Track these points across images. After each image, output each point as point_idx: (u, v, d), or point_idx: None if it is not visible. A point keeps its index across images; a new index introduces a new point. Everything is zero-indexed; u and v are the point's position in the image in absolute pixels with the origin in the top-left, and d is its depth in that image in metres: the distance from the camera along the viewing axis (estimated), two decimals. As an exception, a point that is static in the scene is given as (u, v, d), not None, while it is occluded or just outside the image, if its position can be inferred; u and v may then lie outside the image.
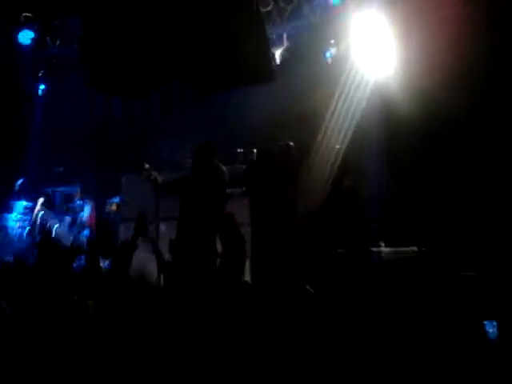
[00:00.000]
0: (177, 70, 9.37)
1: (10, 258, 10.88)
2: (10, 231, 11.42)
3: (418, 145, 9.08)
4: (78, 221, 11.53)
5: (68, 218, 11.60)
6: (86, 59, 10.09)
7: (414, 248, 7.78)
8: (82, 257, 9.91)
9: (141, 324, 4.07)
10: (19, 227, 11.53)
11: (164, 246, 9.85)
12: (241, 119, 10.94)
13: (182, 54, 9.29)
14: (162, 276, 7.11)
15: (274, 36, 10.39)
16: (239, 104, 10.99)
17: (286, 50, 10.39)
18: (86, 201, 11.85)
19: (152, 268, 8.08)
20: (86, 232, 11.48)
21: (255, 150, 9.84)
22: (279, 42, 10.40)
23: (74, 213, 11.62)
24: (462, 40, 8.52)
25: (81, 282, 6.56)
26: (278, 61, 10.18)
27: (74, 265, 9.91)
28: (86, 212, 11.67)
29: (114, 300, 4.65)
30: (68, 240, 10.78)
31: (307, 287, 4.81)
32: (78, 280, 6.83)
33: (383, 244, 7.87)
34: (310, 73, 10.34)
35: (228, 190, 9.78)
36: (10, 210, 11.74)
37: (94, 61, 9.88)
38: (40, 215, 11.18)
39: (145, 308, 4.31)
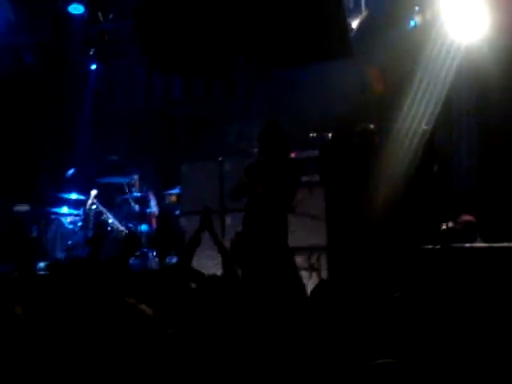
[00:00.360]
0: (243, 43, 9.43)
1: (62, 255, 11.23)
2: (62, 225, 11.71)
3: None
4: (146, 213, 11.74)
5: (123, 212, 11.83)
6: (141, 34, 10.24)
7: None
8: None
9: (202, 327, 4.18)
10: (71, 222, 11.79)
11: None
12: (314, 99, 10.95)
13: (248, 25, 9.34)
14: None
15: (351, 4, 10.37)
16: (312, 82, 11.00)
17: (364, 19, 10.35)
18: (148, 192, 12.05)
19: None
20: (143, 226, 11.68)
21: (330, 134, 9.88)
22: (357, 10, 10.38)
23: (133, 205, 11.81)
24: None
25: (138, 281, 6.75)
26: (355, 32, 10.16)
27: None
28: (153, 204, 11.88)
29: (175, 302, 4.77)
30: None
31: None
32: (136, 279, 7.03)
33: (477, 239, 7.83)
34: (392, 44, 10.29)
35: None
36: (60, 202, 12.05)
37: (150, 36, 10.00)
38: (93, 208, 11.43)
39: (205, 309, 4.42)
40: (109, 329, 3.60)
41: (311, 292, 5.19)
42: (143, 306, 3.80)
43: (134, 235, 10.58)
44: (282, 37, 9.09)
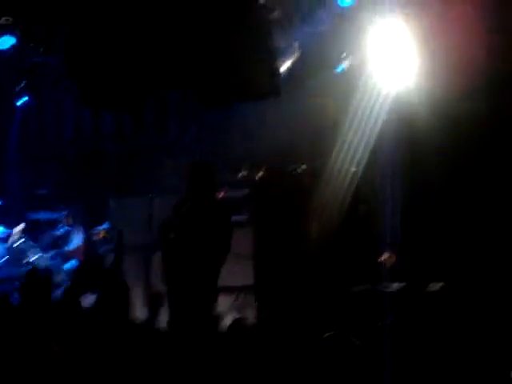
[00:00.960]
0: (175, 80, 9.43)
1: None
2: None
3: (443, 165, 9.16)
4: (65, 250, 11.59)
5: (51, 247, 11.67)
6: (72, 70, 10.16)
7: (437, 284, 7.84)
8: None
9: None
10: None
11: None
12: (244, 138, 11.02)
13: (179, 64, 9.35)
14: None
15: (282, 45, 10.47)
16: (243, 121, 11.08)
17: (295, 61, 10.46)
18: (74, 228, 11.91)
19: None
20: (72, 262, 11.53)
21: (260, 173, 9.92)
22: (288, 52, 10.48)
23: (60, 241, 11.66)
24: (485, 49, 8.64)
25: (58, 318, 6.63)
26: (286, 73, 10.25)
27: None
28: (76, 240, 11.73)
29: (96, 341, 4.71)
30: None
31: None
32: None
33: (401, 281, 7.93)
34: (322, 86, 10.43)
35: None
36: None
37: (81, 71, 9.94)
38: (19, 244, 11.22)
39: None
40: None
41: (227, 331, 5.17)
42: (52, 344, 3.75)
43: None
44: (212, 75, 9.12)
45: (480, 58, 8.77)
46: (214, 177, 7.87)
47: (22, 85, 12.61)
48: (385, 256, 8.33)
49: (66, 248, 11.67)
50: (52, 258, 11.30)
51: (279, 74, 9.43)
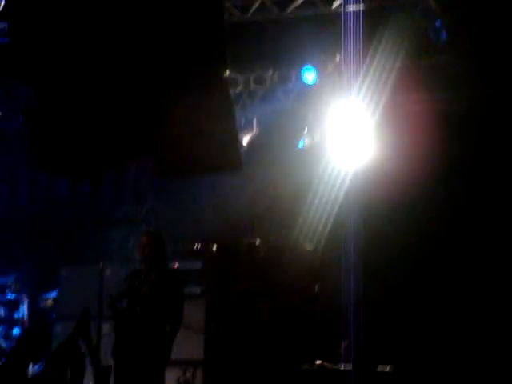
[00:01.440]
0: (134, 150, 9.41)
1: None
2: None
3: (401, 245, 9.23)
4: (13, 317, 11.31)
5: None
6: (29, 134, 10.10)
7: (387, 366, 7.81)
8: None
9: None
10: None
11: (106, 348, 9.73)
12: (201, 210, 11.00)
13: (140, 133, 9.35)
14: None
15: (243, 120, 10.57)
16: (200, 193, 11.07)
17: (255, 137, 10.55)
18: (22, 294, 11.67)
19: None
20: (15, 330, 11.26)
21: (215, 246, 9.86)
22: (248, 127, 10.58)
23: (6, 308, 11.40)
24: (440, 134, 8.87)
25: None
26: (245, 148, 10.33)
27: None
28: (23, 309, 11.48)
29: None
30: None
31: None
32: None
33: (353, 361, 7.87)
34: (281, 162, 10.50)
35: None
36: None
37: (38, 136, 9.88)
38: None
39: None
40: None
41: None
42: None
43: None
44: (172, 148, 9.12)
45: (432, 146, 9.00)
46: (165, 245, 7.78)
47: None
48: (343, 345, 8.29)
49: (15, 315, 11.39)
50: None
51: (241, 147, 9.49)
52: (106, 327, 10.05)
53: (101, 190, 12.82)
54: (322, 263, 9.20)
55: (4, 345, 10.03)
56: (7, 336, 10.89)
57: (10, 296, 11.48)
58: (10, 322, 11.15)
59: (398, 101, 9.37)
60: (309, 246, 9.19)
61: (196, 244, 10.13)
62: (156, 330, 7.48)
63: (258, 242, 9.16)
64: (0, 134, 12.07)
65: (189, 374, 9.20)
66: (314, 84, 10.22)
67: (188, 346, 9.37)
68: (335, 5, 9.49)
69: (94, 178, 12.27)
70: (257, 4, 9.82)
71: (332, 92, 9.64)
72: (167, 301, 7.53)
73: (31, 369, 10.54)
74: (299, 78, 10.34)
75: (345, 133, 9.58)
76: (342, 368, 7.70)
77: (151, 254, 7.68)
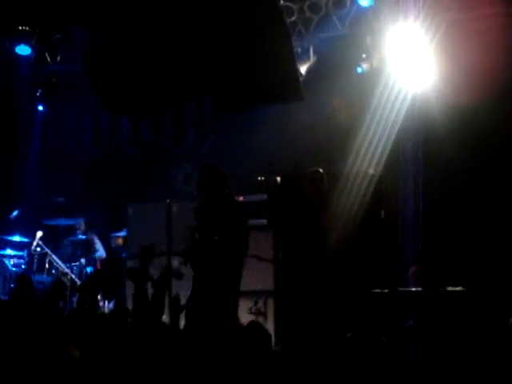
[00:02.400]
0: (193, 86, 9.40)
1: (4, 298, 10.93)
2: (5, 268, 11.45)
3: (462, 168, 9.10)
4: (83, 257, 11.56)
5: (68, 254, 11.64)
6: (92, 76, 10.16)
7: (459, 288, 7.77)
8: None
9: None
10: (14, 264, 11.53)
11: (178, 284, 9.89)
12: (262, 142, 10.97)
13: (200, 68, 9.32)
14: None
15: (300, 50, 10.45)
16: (261, 125, 11.02)
17: (312, 65, 10.43)
18: (93, 235, 11.89)
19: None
20: (88, 269, 11.51)
21: (279, 178, 9.86)
22: (305, 57, 10.46)
23: (78, 248, 11.63)
24: (503, 51, 8.59)
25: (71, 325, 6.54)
26: (304, 77, 10.22)
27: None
28: (94, 248, 11.74)
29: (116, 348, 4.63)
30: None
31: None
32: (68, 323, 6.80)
33: (422, 283, 7.85)
34: (339, 90, 10.39)
35: (249, 223, 9.83)
36: (3, 244, 11.79)
37: (101, 78, 9.93)
38: (38, 251, 11.17)
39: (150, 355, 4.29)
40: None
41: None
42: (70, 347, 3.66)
43: (60, 284, 10.26)
44: (232, 80, 9.08)
45: (496, 67, 8.74)
46: (223, 178, 7.77)
47: (39, 93, 12.65)
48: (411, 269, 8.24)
49: (93, 253, 11.66)
50: (71, 265, 11.22)
51: (301, 77, 9.41)
52: (175, 262, 10.22)
53: (162, 128, 12.90)
54: (384, 188, 9.13)
55: (78, 283, 10.24)
56: (80, 275, 11.14)
57: (81, 236, 11.72)
58: (83, 262, 11.39)
59: (464, 17, 9.05)
60: (372, 171, 9.11)
61: (260, 176, 10.15)
62: (223, 261, 7.55)
63: (320, 170, 9.11)
64: (61, 77, 12.13)
65: (260, 305, 9.33)
66: (370, 7, 10.00)
67: (258, 277, 9.49)
68: None
69: (156, 117, 12.36)
70: None
71: (390, 14, 9.41)
72: (232, 233, 7.58)
73: (106, 305, 10.85)
74: (354, 1, 10.12)
75: (404, 56, 9.41)
76: (414, 290, 7.68)
77: (210, 187, 7.70)
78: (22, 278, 9.17)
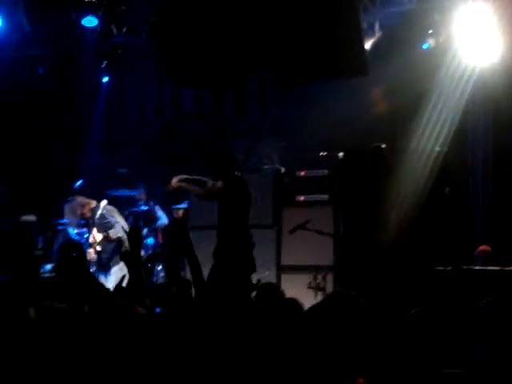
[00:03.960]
0: (256, 60, 9.34)
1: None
2: (68, 237, 11.54)
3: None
4: (145, 228, 11.61)
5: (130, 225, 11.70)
6: (157, 45, 10.17)
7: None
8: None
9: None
10: (77, 233, 11.61)
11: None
12: (325, 117, 10.86)
13: (263, 42, 9.25)
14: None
15: (365, 25, 10.29)
16: (324, 100, 10.92)
17: (378, 40, 10.26)
18: (154, 206, 11.95)
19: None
20: (149, 240, 11.57)
21: (341, 153, 9.77)
22: (370, 32, 10.30)
23: (140, 219, 11.69)
24: None
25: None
26: (369, 52, 10.07)
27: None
28: (156, 219, 11.80)
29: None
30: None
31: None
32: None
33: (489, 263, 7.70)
34: (405, 65, 10.23)
35: (309, 197, 9.77)
36: (68, 214, 11.89)
37: (166, 48, 9.94)
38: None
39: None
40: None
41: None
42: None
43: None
44: (296, 54, 8.99)
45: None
46: (234, 161, 8.34)
47: (104, 65, 12.72)
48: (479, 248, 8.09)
49: (155, 224, 11.73)
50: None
51: (367, 52, 9.28)
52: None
53: (224, 101, 12.89)
54: (450, 165, 8.99)
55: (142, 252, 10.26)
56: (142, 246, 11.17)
57: (143, 207, 11.77)
58: (144, 233, 11.43)
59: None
60: (437, 148, 8.97)
61: (322, 151, 10.08)
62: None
63: (383, 145, 9.01)
64: (125, 49, 12.16)
65: (319, 279, 9.27)
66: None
67: (318, 252, 9.46)
68: None
69: (218, 90, 12.33)
70: None
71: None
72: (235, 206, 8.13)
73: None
74: (423, -24, 9.93)
75: (471, 33, 9.21)
76: (477, 268, 7.54)
77: (222, 171, 8.21)
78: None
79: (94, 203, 10.06)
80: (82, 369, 3.24)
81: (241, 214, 8.16)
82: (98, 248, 9.71)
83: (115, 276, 9.28)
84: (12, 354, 3.21)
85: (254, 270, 8.11)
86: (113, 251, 9.72)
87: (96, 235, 9.60)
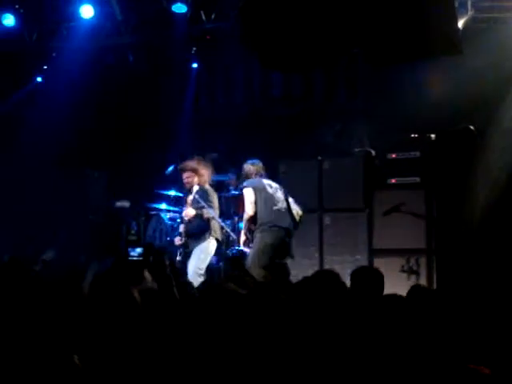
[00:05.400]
0: (346, 41, 9.26)
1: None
2: (161, 222, 11.75)
3: None
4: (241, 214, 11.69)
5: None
6: (246, 29, 10.20)
7: None
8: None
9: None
10: (170, 218, 11.80)
11: (331, 240, 9.89)
12: (415, 98, 10.75)
13: (353, 23, 9.16)
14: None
15: (457, 3, 10.11)
16: (414, 81, 10.81)
17: (470, 19, 10.08)
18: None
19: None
20: (241, 224, 11.64)
21: (433, 135, 9.64)
22: (463, 10, 10.11)
23: (231, 203, 11.77)
24: None
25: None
26: (461, 31, 9.89)
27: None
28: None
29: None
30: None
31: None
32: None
33: None
34: (497, 44, 10.04)
35: (401, 180, 9.68)
36: (160, 199, 12.10)
37: (255, 31, 9.97)
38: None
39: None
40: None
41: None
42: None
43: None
44: (387, 33, 8.87)
45: None
46: None
47: (193, 51, 12.87)
48: None
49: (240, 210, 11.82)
50: (224, 220, 11.34)
51: (460, 31, 9.11)
52: (327, 219, 10.22)
53: (314, 84, 12.86)
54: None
55: (234, 237, 10.37)
56: (233, 231, 11.24)
57: (234, 192, 11.85)
58: (235, 218, 11.51)
59: None
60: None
61: (413, 133, 9.96)
62: None
63: (471, 127, 8.86)
64: (214, 34, 12.25)
65: (412, 263, 9.21)
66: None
67: (410, 234, 9.38)
68: None
69: (308, 73, 12.32)
70: None
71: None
72: None
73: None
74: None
75: None
76: None
77: None
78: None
79: None
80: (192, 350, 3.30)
81: None
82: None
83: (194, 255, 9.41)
84: (121, 334, 3.29)
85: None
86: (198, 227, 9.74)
87: (189, 211, 9.69)
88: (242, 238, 9.17)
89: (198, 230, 9.53)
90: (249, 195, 9.03)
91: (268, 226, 8.82)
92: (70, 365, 2.41)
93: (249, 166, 9.38)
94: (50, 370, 2.44)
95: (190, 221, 9.66)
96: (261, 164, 9.40)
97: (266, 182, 9.22)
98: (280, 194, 9.13)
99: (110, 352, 3.22)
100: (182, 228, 9.74)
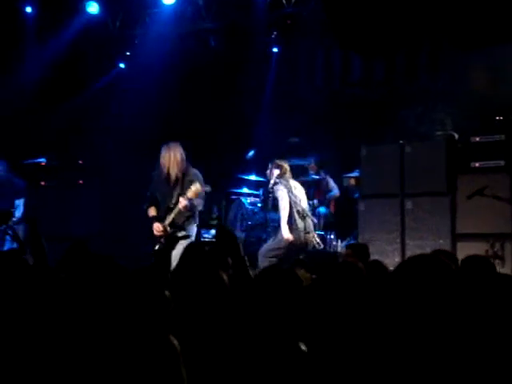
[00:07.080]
0: (429, 24, 9.19)
1: (241, 235, 11.33)
2: (242, 206, 11.84)
3: None
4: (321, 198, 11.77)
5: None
6: (328, 12, 10.21)
7: None
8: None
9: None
10: (251, 203, 11.88)
11: (413, 225, 9.83)
12: (499, 81, 10.55)
13: (439, 4, 9.07)
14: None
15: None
16: (498, 64, 10.61)
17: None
18: (326, 175, 12.06)
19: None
20: (321, 209, 11.67)
21: (517, 117, 9.47)
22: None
23: (311, 188, 11.79)
24: None
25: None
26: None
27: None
28: (332, 187, 11.94)
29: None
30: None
31: None
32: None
33: None
34: None
35: (485, 164, 9.53)
36: (240, 183, 12.21)
37: (337, 14, 9.96)
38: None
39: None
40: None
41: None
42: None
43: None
44: (470, 18, 8.76)
45: None
46: None
47: (274, 36, 12.91)
48: None
49: (327, 196, 11.89)
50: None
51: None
52: (409, 203, 10.14)
53: (395, 68, 12.76)
54: None
55: (315, 221, 10.40)
56: (313, 215, 11.26)
57: (314, 176, 11.87)
58: (315, 202, 11.53)
59: None
60: None
61: (497, 115, 9.79)
62: None
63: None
64: (294, 18, 12.28)
65: (497, 248, 9.07)
66: None
67: (495, 219, 9.23)
68: None
69: (388, 57, 12.23)
70: None
71: None
72: None
73: (339, 245, 11.01)
74: None
75: None
76: None
77: None
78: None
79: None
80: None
81: None
82: None
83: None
84: (208, 317, 3.35)
85: None
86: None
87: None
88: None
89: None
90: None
91: None
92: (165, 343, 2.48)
93: None
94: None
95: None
96: None
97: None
98: None
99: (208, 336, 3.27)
100: None
